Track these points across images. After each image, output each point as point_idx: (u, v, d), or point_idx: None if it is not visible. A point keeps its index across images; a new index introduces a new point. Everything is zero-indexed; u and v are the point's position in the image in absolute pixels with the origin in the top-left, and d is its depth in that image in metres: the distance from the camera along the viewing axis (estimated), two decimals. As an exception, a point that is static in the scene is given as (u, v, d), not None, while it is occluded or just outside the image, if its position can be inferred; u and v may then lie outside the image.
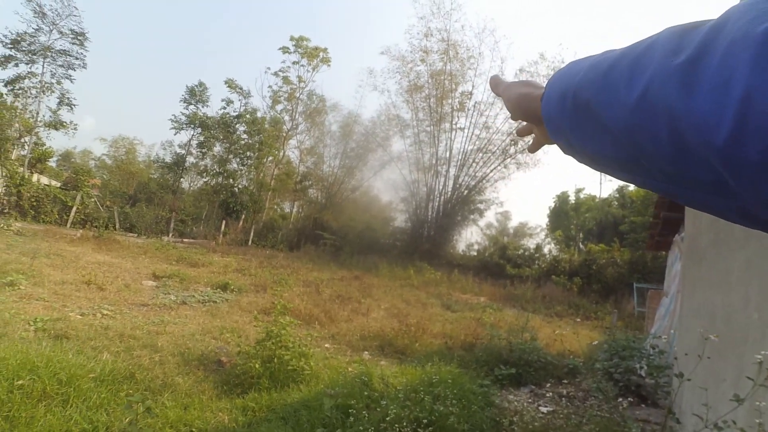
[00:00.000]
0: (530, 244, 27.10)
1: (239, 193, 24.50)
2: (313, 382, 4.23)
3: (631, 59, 0.35)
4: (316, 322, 7.34)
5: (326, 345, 6.18)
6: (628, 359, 5.37)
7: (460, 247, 27.20)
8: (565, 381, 5.81)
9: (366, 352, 6.09)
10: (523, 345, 5.97)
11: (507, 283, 18.58)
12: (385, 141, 28.39)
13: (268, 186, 26.75)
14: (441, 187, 26.27)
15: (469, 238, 33.05)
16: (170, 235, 20.68)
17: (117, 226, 19.19)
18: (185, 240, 20.23)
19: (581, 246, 29.40)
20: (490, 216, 37.08)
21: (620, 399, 4.85)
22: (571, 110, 0.42)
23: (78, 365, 3.54)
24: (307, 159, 30.57)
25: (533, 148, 0.68)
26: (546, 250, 25.39)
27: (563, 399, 5.15)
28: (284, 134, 28.80)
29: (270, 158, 27.75)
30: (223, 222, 23.10)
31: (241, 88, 25.67)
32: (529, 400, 4.99)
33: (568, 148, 0.47)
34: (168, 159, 25.32)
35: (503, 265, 21.66)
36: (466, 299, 13.91)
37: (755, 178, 0.27)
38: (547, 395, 5.27)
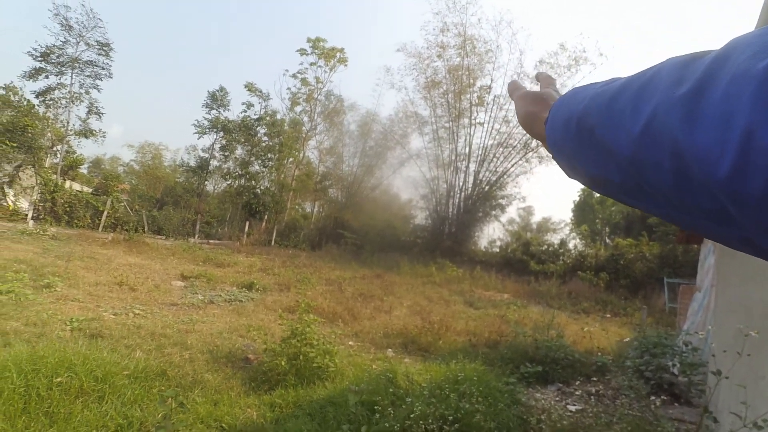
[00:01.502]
0: (554, 239, 26.56)
1: (261, 195, 24.94)
2: (338, 379, 4.27)
3: (636, 88, 0.36)
4: (339, 320, 7.39)
5: (350, 342, 6.22)
6: (660, 357, 5.20)
7: (482, 243, 26.91)
8: (594, 379, 5.67)
9: (389, 350, 6.10)
10: (550, 342, 5.86)
11: (531, 279, 18.27)
12: (404, 138, 28.36)
13: (289, 187, 27.13)
14: (461, 184, 26.06)
15: (491, 234, 32.75)
16: (196, 236, 21.23)
17: (146, 229, 19.84)
18: (211, 241, 20.73)
19: (608, 240, 28.62)
20: (512, 211, 36.55)
21: (653, 398, 4.70)
22: (575, 135, 0.43)
23: (112, 363, 3.67)
24: (326, 159, 30.86)
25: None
26: (571, 245, 24.81)
27: (592, 397, 5.03)
28: (304, 135, 29.13)
29: (290, 159, 28.12)
30: (247, 223, 23.55)
31: (260, 91, 26.12)
32: (557, 399, 4.89)
33: (572, 171, 0.48)
34: (192, 163, 26.05)
35: (527, 261, 21.29)
36: (489, 296, 13.75)
37: (758, 210, 0.27)
38: (576, 393, 5.16)
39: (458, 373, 4.50)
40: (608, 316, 12.89)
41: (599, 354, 6.39)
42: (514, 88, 0.65)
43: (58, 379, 3.27)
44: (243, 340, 5.39)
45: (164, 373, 3.83)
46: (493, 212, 26.88)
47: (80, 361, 3.51)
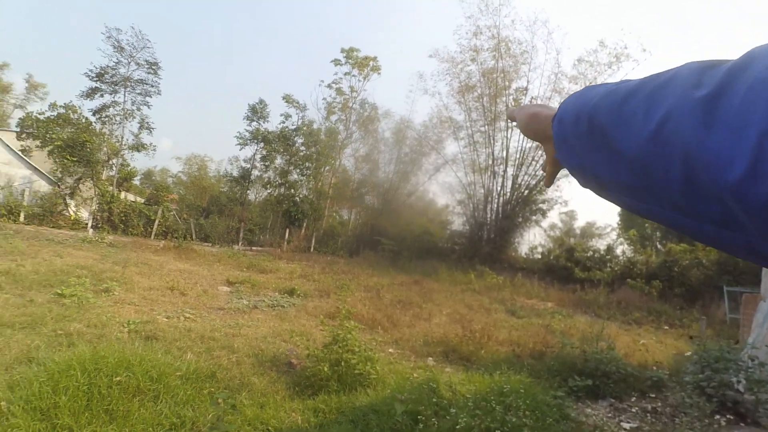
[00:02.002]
0: (600, 245, 25.30)
1: (300, 203, 25.59)
2: (379, 387, 4.25)
3: (650, 90, 0.36)
4: (378, 326, 7.39)
5: (390, 350, 6.19)
6: (723, 372, 4.80)
7: (523, 249, 26.08)
8: (650, 395, 5.31)
9: (430, 358, 6.01)
10: (599, 354, 5.55)
11: (576, 287, 17.48)
12: (439, 144, 28.16)
13: (326, 194, 27.67)
14: (499, 188, 25.47)
15: (532, 240, 31.58)
16: (240, 243, 22.04)
17: (193, 236, 20.86)
18: (254, 248, 21.46)
19: (659, 246, 26.94)
20: (553, 216, 35.35)
21: (716, 417, 4.35)
22: (585, 133, 0.43)
23: (166, 364, 3.85)
24: (362, 166, 31.19)
25: (548, 182, 0.68)
26: (618, 251, 23.62)
27: (648, 415, 4.71)
28: (339, 144, 29.67)
29: (327, 168, 28.71)
30: (287, 230, 24.20)
31: (297, 102, 26.93)
32: (609, 415, 4.62)
33: (579, 169, 0.48)
34: (235, 173, 27.17)
35: (571, 268, 20.42)
36: (531, 305, 13.28)
37: (765, 216, 0.27)
38: (630, 410, 4.85)
39: (503, 384, 4.36)
40: (667, 327, 12.09)
41: (655, 368, 5.99)
42: (511, 111, 0.67)
43: (118, 378, 3.46)
44: (286, 345, 5.50)
45: (214, 375, 3.97)
46: (534, 217, 26.07)
47: (137, 362, 3.70)
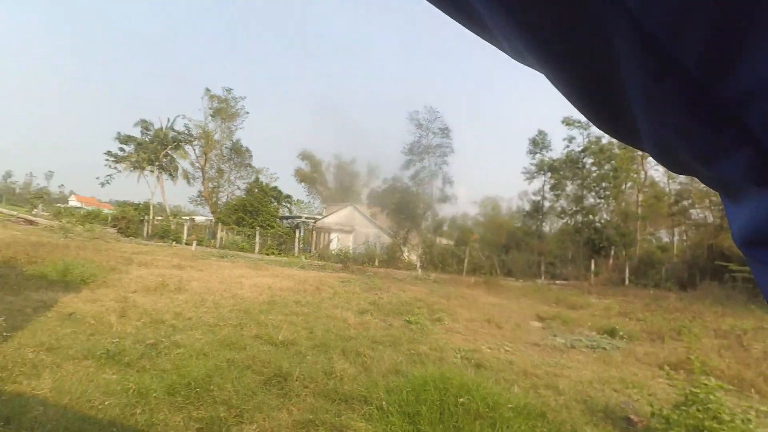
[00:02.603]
0: None
1: (602, 228, 22.89)
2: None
3: None
4: (751, 388, 5.38)
5: (787, 426, 4.32)
6: None
7: None
8: None
9: None
10: None
11: None
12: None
13: (634, 215, 23.56)
14: None
15: None
16: (542, 277, 21.74)
17: (498, 271, 22.25)
18: (557, 282, 20.63)
19: None
20: None
21: None
22: None
23: (497, 393, 4.10)
24: (674, 176, 24.88)
25: None
26: None
27: None
28: (640, 154, 24.98)
29: (629, 184, 24.61)
30: (591, 261, 22.00)
31: (578, 122, 24.98)
32: None
33: None
34: (527, 207, 27.53)
35: None
36: None
37: None
38: None
39: None
40: None
41: None
42: None
43: (461, 399, 3.96)
44: (618, 395, 4.82)
45: (543, 415, 3.91)
46: None
47: (474, 387, 4.12)
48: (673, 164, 0.39)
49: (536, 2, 0.31)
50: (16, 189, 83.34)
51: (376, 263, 22.85)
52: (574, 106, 0.40)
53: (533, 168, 25.52)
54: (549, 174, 25.12)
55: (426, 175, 26.34)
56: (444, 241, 27.39)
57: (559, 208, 25.76)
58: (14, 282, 6.79)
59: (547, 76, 0.38)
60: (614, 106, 0.37)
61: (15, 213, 27.09)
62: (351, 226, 28.73)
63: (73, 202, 61.54)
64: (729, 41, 0.26)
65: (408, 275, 17.43)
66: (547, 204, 26.10)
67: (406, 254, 24.70)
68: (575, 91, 0.38)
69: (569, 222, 25.24)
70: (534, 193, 26.78)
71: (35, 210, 34.98)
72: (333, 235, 28.14)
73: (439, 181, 26.41)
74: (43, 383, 3.37)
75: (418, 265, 22.48)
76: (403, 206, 23.88)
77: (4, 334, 4.22)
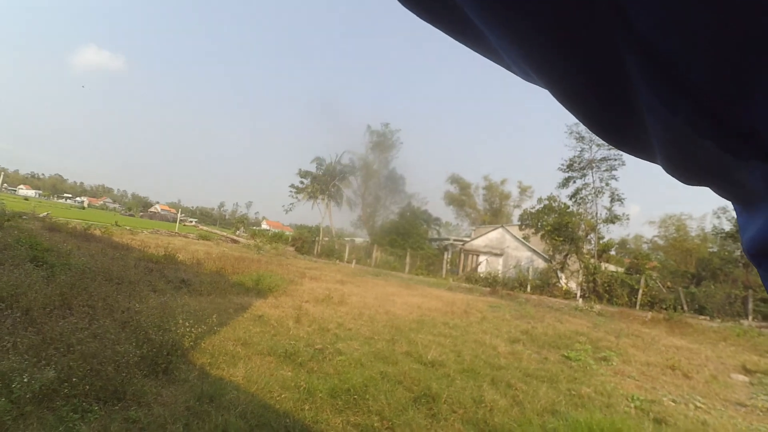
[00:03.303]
0: None
1: None
2: None
3: None
4: None
5: None
6: None
7: None
8: None
9: None
10: None
11: None
12: None
13: None
14: None
15: None
16: (749, 317, 16.88)
17: (684, 307, 18.18)
18: (776, 326, 15.69)
19: None
20: None
21: None
22: None
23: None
24: None
25: None
26: None
27: None
28: None
29: None
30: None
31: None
32: None
33: None
34: (726, 227, 21.96)
35: None
36: None
37: None
38: None
39: None
40: None
41: None
42: None
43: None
44: None
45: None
46: None
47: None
48: (686, 177, 0.38)
49: (542, 29, 0.32)
50: (225, 215, 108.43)
51: (528, 289, 21.32)
52: (582, 123, 0.41)
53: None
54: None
55: (589, 192, 23.60)
56: (611, 268, 23.86)
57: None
58: (222, 288, 8.68)
59: (553, 95, 0.39)
60: (626, 124, 0.38)
61: (225, 233, 35.14)
62: (501, 249, 27.57)
63: (264, 225, 76.27)
64: (743, 66, 0.26)
65: (565, 305, 15.73)
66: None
67: (563, 281, 22.37)
68: (583, 109, 0.39)
69: None
70: (738, 211, 21.23)
71: (238, 231, 44.49)
72: (482, 258, 27.47)
73: (605, 199, 23.29)
74: (237, 372, 4.23)
75: (578, 293, 20.03)
76: (560, 228, 21.79)
77: (215, 328, 5.45)
